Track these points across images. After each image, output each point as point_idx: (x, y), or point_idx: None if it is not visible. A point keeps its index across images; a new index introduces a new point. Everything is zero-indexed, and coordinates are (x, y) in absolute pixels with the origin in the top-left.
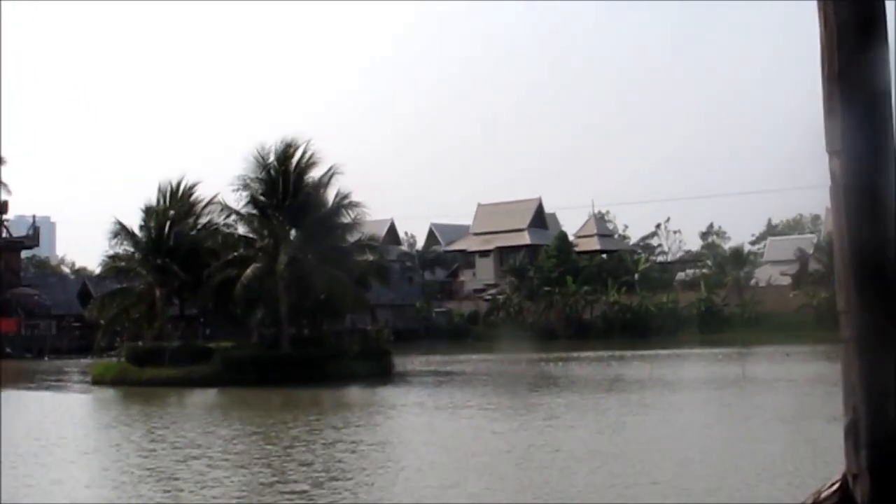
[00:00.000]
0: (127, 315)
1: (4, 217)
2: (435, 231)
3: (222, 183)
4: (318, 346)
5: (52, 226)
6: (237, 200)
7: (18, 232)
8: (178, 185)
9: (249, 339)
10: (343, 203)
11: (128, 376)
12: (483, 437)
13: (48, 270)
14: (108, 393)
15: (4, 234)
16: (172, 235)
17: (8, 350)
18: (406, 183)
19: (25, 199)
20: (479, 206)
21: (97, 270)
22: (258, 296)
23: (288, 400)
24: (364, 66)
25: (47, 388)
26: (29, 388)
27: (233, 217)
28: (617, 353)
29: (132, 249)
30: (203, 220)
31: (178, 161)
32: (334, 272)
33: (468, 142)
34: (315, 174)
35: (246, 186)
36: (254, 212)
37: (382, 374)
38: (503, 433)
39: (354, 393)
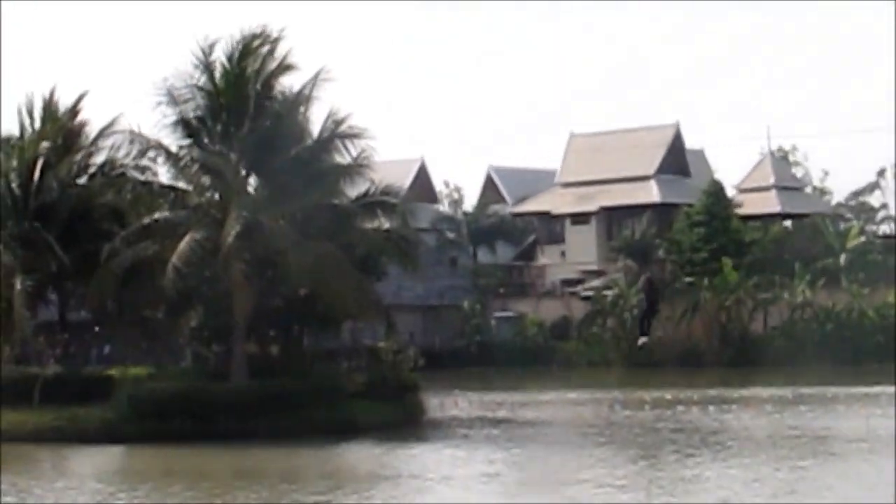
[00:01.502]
0: None
1: None
2: (496, 179)
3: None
4: (295, 375)
5: None
6: (157, 126)
7: None
8: (52, 99)
9: (177, 362)
10: (338, 132)
11: None
12: None
13: None
14: None
15: None
16: (46, 185)
17: None
18: (446, 99)
19: None
20: (573, 137)
21: None
22: (194, 289)
23: (242, 471)
24: None
25: None
26: None
27: (151, 153)
28: (812, 390)
29: None
30: (98, 160)
31: (66, 73)
32: (324, 249)
33: (548, 25)
34: (290, 83)
35: (174, 101)
36: (187, 144)
37: (404, 423)
38: None
39: (357, 460)
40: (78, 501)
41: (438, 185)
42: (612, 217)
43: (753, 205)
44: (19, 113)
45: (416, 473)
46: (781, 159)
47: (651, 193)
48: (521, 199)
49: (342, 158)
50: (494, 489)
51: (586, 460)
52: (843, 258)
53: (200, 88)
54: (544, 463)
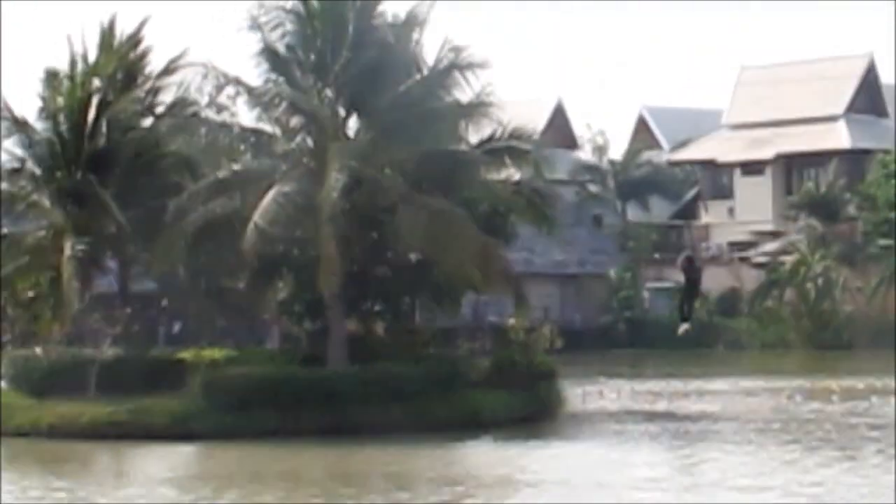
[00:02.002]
0: (10, 293)
1: None
2: (650, 121)
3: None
4: (405, 359)
5: None
6: (237, 58)
7: None
8: (111, 28)
9: (262, 343)
10: (456, 62)
11: (12, 418)
12: None
13: None
14: None
15: None
16: (102, 128)
17: None
18: (586, 26)
19: None
20: (743, 69)
21: None
22: (282, 255)
23: (344, 475)
24: None
25: None
26: None
27: (229, 90)
28: None
29: (21, 155)
30: (165, 98)
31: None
32: (439, 205)
33: None
34: (395, 8)
35: (257, 27)
36: (273, 79)
37: (537, 417)
38: None
39: (485, 461)
40: None
41: (579, 129)
42: (792, 166)
43: None
44: (70, 43)
45: (563, 479)
46: None
47: (839, 137)
48: (681, 145)
49: (462, 96)
50: (659, 498)
51: (770, 463)
52: None
53: (289, 11)
54: (718, 466)
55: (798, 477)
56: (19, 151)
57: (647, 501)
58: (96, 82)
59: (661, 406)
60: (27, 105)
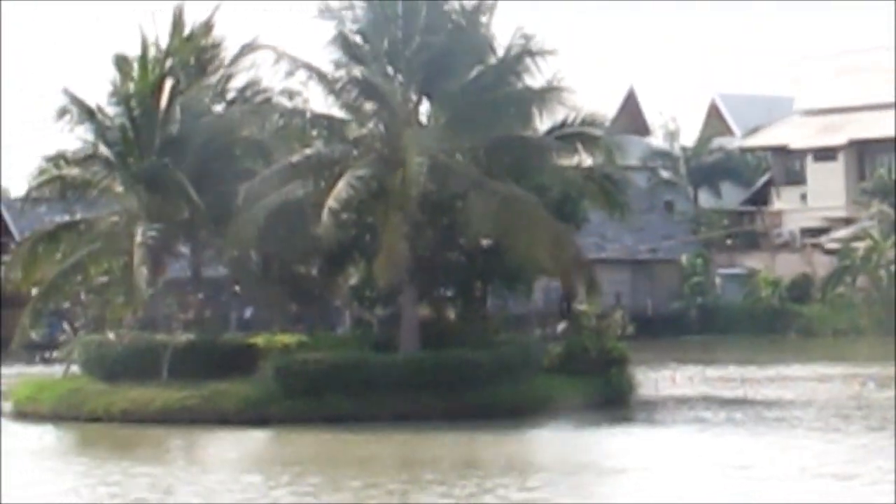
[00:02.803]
0: (83, 278)
1: None
2: (722, 108)
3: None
4: (477, 345)
5: None
6: (310, 47)
7: None
8: (182, 14)
9: (334, 328)
10: (527, 48)
11: (85, 404)
12: None
13: None
14: (46, 440)
15: None
16: (174, 113)
17: None
18: (656, 14)
19: None
20: (816, 56)
21: (19, 189)
22: (355, 240)
23: (418, 460)
24: None
25: None
26: None
27: (301, 76)
28: None
29: (93, 142)
30: (237, 84)
31: None
32: (511, 191)
33: None
34: None
35: (329, 12)
36: (344, 64)
37: (608, 403)
38: None
39: (562, 447)
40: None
41: (650, 115)
42: (864, 152)
43: None
44: (141, 29)
45: (648, 465)
46: None
47: None
48: (752, 131)
49: (532, 82)
50: (747, 487)
51: (855, 450)
52: None
53: None
54: (804, 453)
55: (884, 464)
56: (90, 137)
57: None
58: (169, 65)
59: (736, 392)
60: (96, 91)
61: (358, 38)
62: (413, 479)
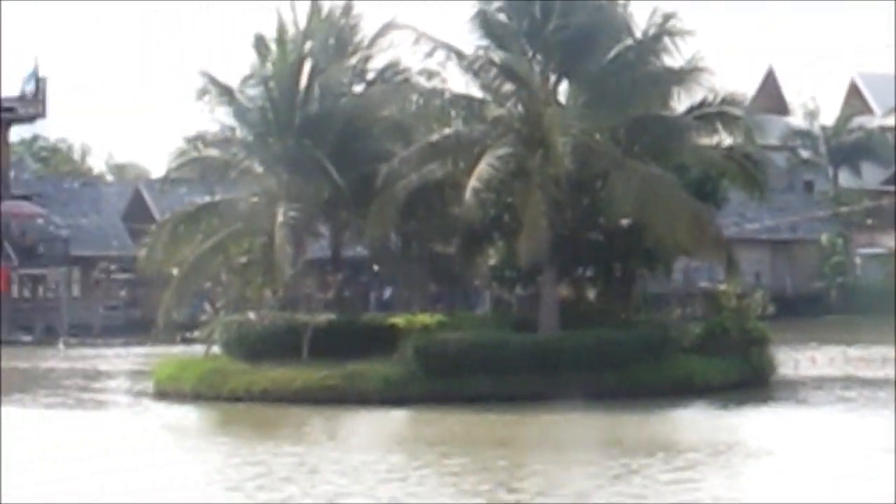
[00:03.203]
0: (223, 259)
1: None
2: (862, 87)
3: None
4: (617, 325)
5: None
6: (448, 27)
7: (6, 91)
8: None
9: (473, 308)
10: (666, 28)
11: (226, 383)
12: None
13: (64, 167)
14: (188, 420)
15: None
16: (314, 94)
17: None
18: None
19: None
20: None
21: (160, 170)
22: (494, 219)
23: (565, 440)
24: None
25: (60, 407)
26: (24, 406)
27: (440, 56)
28: None
29: (233, 124)
30: (376, 64)
31: None
32: (651, 170)
33: None
34: None
35: None
36: (483, 45)
37: (748, 383)
38: None
39: (709, 426)
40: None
41: (790, 95)
42: None
43: None
44: (278, 10)
45: (799, 446)
46: None
47: None
48: (893, 110)
49: (671, 62)
50: None
51: None
52: None
53: None
54: None
55: None
56: (229, 119)
57: None
58: (308, 48)
59: (878, 373)
60: (233, 73)
61: (499, 17)
62: (558, 460)
